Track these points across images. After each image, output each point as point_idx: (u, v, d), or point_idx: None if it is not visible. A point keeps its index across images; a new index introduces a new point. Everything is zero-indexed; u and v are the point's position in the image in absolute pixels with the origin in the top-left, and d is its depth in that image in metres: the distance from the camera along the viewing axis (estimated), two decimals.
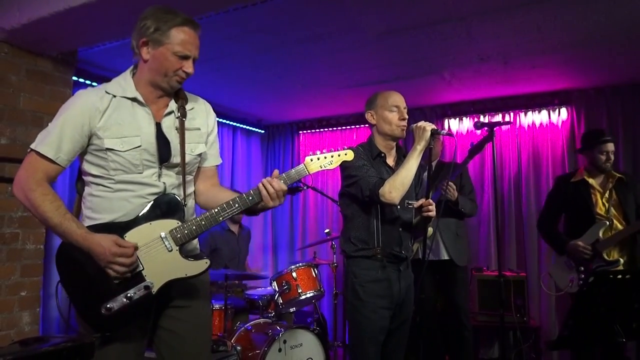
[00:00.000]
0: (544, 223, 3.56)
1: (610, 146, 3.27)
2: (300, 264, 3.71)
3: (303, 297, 3.55)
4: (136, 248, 1.65)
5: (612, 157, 3.27)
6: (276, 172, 1.76)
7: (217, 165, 2.00)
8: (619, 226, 3.18)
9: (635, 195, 3.23)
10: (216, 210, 1.73)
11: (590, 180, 3.30)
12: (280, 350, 3.22)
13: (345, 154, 1.87)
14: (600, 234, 3.17)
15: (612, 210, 3.21)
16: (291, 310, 3.86)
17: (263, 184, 1.72)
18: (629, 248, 3.20)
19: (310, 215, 5.74)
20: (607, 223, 3.17)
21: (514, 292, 4.03)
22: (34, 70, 3.26)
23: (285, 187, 1.72)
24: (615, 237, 3.13)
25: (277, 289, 3.58)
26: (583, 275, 3.18)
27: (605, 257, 3.14)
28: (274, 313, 3.63)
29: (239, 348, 3.21)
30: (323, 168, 1.83)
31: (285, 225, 5.90)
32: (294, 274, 3.58)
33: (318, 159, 1.82)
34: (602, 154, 3.26)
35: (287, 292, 3.54)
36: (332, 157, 1.84)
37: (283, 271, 3.66)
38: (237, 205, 1.73)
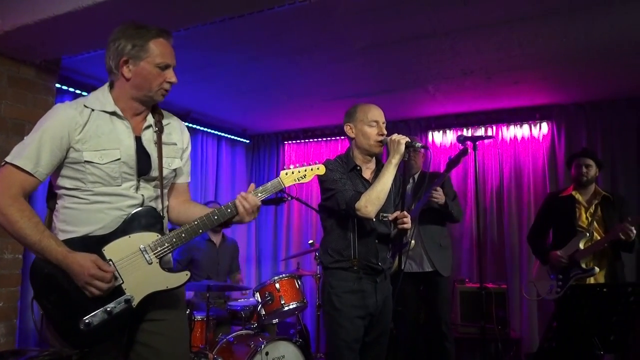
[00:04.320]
0: (533, 236, 3.71)
1: (584, 160, 3.41)
2: (284, 275, 3.69)
3: (286, 308, 3.52)
4: (115, 276, 1.62)
5: (587, 170, 3.39)
6: (252, 186, 1.83)
7: (188, 183, 2.01)
8: (599, 239, 3.27)
9: (620, 215, 3.32)
10: (196, 222, 1.75)
11: (577, 196, 3.43)
12: None
13: (318, 169, 1.96)
14: (581, 245, 3.28)
15: (595, 224, 3.32)
16: (274, 321, 3.83)
17: (239, 200, 1.77)
18: (609, 260, 3.28)
19: (294, 226, 5.73)
20: (588, 235, 3.28)
21: (495, 303, 4.06)
22: (17, 78, 3.22)
23: (259, 202, 1.80)
24: (592, 247, 3.24)
25: (260, 300, 3.55)
26: (561, 283, 3.32)
27: (583, 266, 3.25)
28: (256, 324, 3.59)
29: None
30: (297, 182, 1.91)
31: (269, 236, 5.87)
32: (277, 285, 3.56)
33: (292, 172, 1.91)
34: (577, 167, 3.44)
35: (270, 303, 3.51)
36: (305, 171, 1.93)
37: (266, 282, 3.63)
38: (216, 217, 1.77)
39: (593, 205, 3.36)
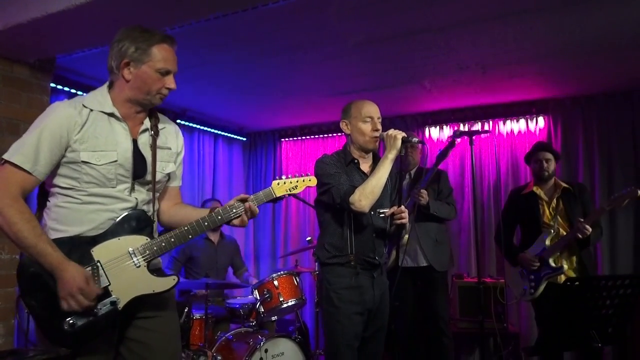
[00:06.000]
0: (500, 236, 3.58)
1: (544, 154, 3.40)
2: (282, 272, 3.69)
3: (285, 305, 3.53)
4: (98, 294, 1.61)
5: (547, 164, 3.37)
6: (243, 196, 1.86)
7: (180, 187, 2.03)
8: (564, 234, 3.25)
9: (582, 205, 3.32)
10: (186, 228, 1.76)
11: (538, 192, 3.41)
12: (261, 359, 3.19)
13: (310, 180, 2.03)
14: (548, 242, 3.25)
15: (559, 218, 3.30)
16: (273, 318, 3.83)
17: (244, 212, 1.82)
18: (576, 253, 3.26)
19: (292, 223, 5.73)
20: (553, 231, 3.25)
21: (493, 298, 4.07)
22: (11, 77, 3.21)
23: (257, 210, 1.86)
24: (558, 244, 3.21)
25: (258, 298, 3.55)
26: (534, 284, 3.28)
27: (552, 264, 3.21)
28: (255, 322, 3.60)
29: (219, 358, 3.18)
30: (289, 192, 1.97)
31: (267, 233, 5.87)
32: (276, 282, 3.56)
33: (284, 183, 1.96)
34: (536, 162, 3.42)
35: (268, 300, 3.52)
36: (297, 182, 1.99)
37: (265, 279, 3.63)
38: (206, 224, 1.80)
39: (555, 200, 3.34)
